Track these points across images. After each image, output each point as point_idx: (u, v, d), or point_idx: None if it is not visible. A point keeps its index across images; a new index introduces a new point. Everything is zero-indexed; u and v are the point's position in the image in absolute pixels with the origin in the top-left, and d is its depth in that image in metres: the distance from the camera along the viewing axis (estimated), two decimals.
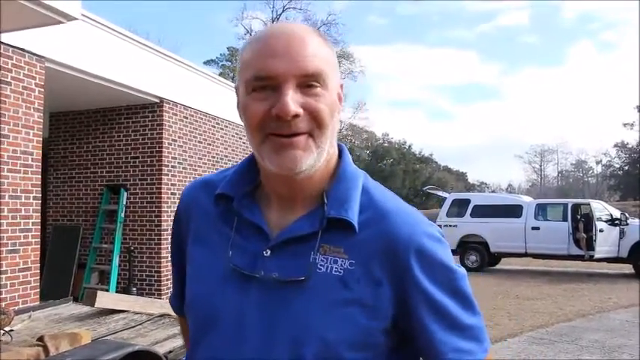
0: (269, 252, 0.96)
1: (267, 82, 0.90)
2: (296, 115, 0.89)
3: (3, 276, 5.46)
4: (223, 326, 0.96)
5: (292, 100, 0.88)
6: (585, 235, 12.83)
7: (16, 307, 4.93)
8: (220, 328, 0.97)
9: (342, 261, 0.93)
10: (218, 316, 0.97)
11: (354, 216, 0.95)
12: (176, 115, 8.50)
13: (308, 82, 0.91)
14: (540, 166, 60.05)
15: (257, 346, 0.92)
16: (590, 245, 12.75)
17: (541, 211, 13.99)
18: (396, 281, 0.93)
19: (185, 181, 8.70)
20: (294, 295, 0.93)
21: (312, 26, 1.10)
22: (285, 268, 0.94)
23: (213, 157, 9.54)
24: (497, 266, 14.95)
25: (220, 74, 34.84)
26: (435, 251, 0.96)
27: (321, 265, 0.93)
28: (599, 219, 12.88)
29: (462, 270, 1.00)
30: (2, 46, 5.51)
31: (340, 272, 0.93)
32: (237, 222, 1.00)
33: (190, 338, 1.05)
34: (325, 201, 0.96)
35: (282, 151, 0.91)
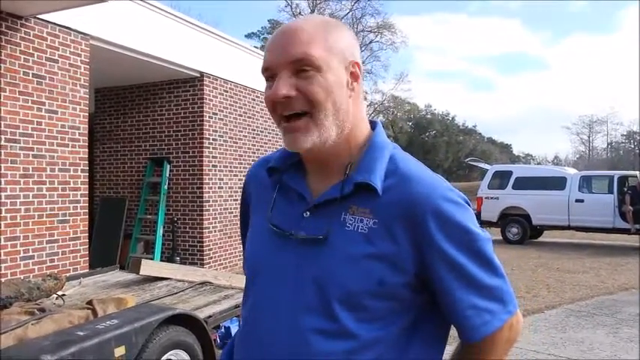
0: (308, 214, 1.11)
1: (269, 73, 1.07)
2: (288, 97, 1.03)
3: (55, 244, 5.77)
4: (265, 278, 1.13)
5: (283, 84, 1.03)
6: (632, 208, 12.46)
7: (67, 274, 5.22)
8: (263, 280, 1.14)
9: (367, 220, 1.06)
10: (262, 269, 1.15)
11: (377, 181, 1.06)
12: (216, 88, 8.65)
13: (299, 67, 1.04)
14: (589, 137, 58.07)
15: (291, 293, 1.07)
16: (637, 218, 12.39)
17: (585, 183, 13.63)
18: (414, 240, 1.04)
19: (226, 153, 8.89)
20: (325, 249, 1.07)
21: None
22: (319, 227, 1.08)
23: (254, 130, 9.69)
24: (540, 239, 14.74)
25: (262, 47, 34.88)
26: (452, 213, 1.04)
27: (349, 223, 1.07)
28: None
29: (485, 234, 1.08)
30: (49, 25, 5.72)
31: (365, 230, 1.05)
32: (282, 189, 1.18)
33: (244, 290, 1.23)
34: (347, 171, 1.10)
35: (287, 133, 1.08)
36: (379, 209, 1.05)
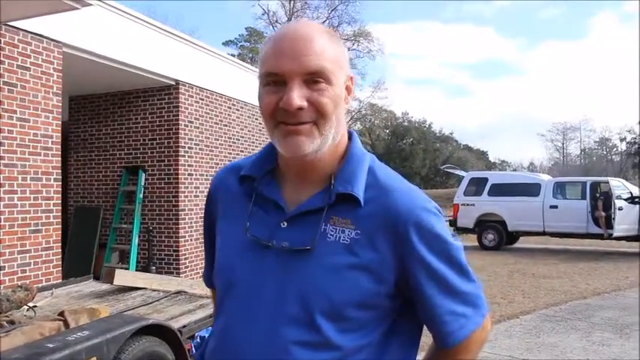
0: (286, 224, 1.09)
1: (276, 78, 1.04)
2: (300, 108, 1.02)
3: (27, 255, 5.66)
4: (243, 289, 1.10)
5: (297, 95, 1.02)
6: (604, 214, 12.71)
7: (40, 285, 5.13)
8: (240, 291, 1.10)
9: (349, 231, 1.06)
10: (238, 280, 1.11)
11: (359, 192, 1.08)
12: (192, 97, 8.61)
13: (312, 78, 1.03)
14: (563, 144, 59.15)
15: (271, 305, 1.06)
16: (609, 223, 12.65)
17: (559, 189, 13.87)
18: (396, 250, 1.05)
19: (202, 162, 8.84)
20: (306, 260, 1.06)
21: (325, 24, 1.21)
22: (299, 238, 1.07)
23: (230, 138, 9.65)
24: (515, 245, 14.92)
25: (239, 55, 34.86)
26: (432, 224, 1.08)
27: (330, 234, 1.07)
28: (619, 197, 12.75)
29: (458, 242, 1.12)
30: (21, 32, 5.64)
31: (347, 241, 1.06)
32: (257, 198, 1.15)
33: (217, 302, 1.20)
34: (333, 180, 1.10)
35: (289, 136, 1.05)
36: (361, 220, 1.07)
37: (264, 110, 1.07)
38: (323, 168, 1.12)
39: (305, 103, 1.03)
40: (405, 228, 1.05)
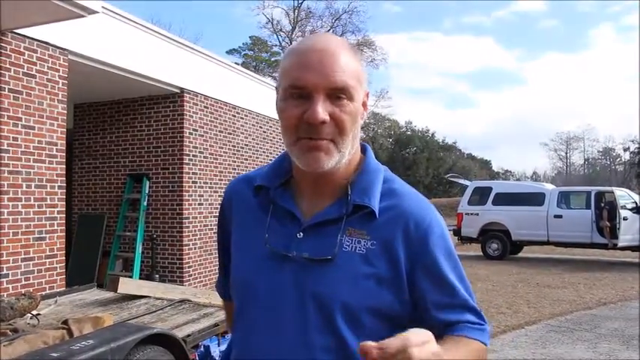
0: (302, 234, 1.10)
1: (301, 91, 1.05)
2: (323, 122, 1.03)
3: (30, 262, 5.64)
4: (261, 299, 1.11)
5: (322, 109, 1.03)
6: (609, 223, 12.65)
7: (43, 293, 5.11)
8: (259, 302, 1.12)
9: (365, 241, 1.09)
10: (257, 291, 1.12)
11: (375, 203, 1.10)
12: (196, 105, 8.61)
13: (336, 94, 1.05)
14: (566, 153, 59.05)
15: (292, 314, 1.07)
16: (613, 233, 12.58)
17: (564, 198, 13.81)
18: (411, 258, 1.08)
19: (206, 169, 8.83)
20: (323, 270, 1.08)
21: (345, 39, 1.23)
22: (315, 248, 1.09)
23: (234, 147, 9.64)
24: (519, 254, 14.84)
25: (243, 63, 34.94)
26: (441, 231, 1.12)
27: (346, 245, 1.09)
28: (624, 207, 12.69)
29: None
30: (27, 39, 5.65)
31: (363, 251, 1.08)
32: (273, 209, 1.15)
33: (235, 313, 1.19)
34: (349, 191, 1.11)
35: (309, 152, 1.06)
36: (376, 230, 1.09)
37: (287, 122, 1.07)
38: (338, 179, 1.13)
39: (328, 118, 1.04)
40: (423, 237, 1.09)
